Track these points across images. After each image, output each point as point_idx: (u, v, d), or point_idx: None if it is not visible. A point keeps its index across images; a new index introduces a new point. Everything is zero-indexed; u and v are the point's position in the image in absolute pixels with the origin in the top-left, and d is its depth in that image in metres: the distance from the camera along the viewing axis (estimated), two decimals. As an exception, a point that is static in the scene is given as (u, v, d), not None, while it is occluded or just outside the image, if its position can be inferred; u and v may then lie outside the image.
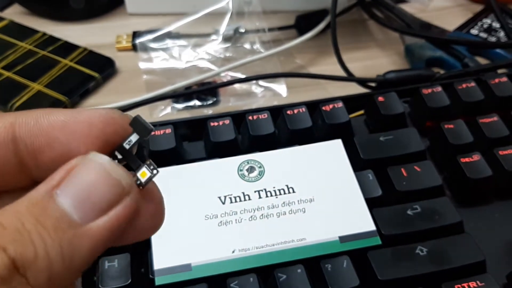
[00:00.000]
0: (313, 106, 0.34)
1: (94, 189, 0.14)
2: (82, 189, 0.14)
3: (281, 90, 0.44)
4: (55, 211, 0.14)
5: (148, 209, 0.16)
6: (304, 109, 0.34)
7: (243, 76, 0.44)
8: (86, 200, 0.14)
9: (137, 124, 0.16)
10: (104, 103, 0.40)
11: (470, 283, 0.26)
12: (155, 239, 0.27)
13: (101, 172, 0.15)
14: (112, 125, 0.16)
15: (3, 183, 0.16)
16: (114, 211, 0.14)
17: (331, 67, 0.45)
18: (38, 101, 0.41)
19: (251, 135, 0.33)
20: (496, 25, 0.50)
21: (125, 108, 0.39)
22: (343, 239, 0.28)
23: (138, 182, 0.16)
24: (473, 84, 0.36)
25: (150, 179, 0.16)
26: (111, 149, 0.16)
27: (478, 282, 0.26)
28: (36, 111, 0.16)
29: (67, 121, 0.16)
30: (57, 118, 0.16)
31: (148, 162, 0.16)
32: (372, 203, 0.29)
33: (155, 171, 0.16)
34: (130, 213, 0.15)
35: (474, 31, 0.50)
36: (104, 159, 0.15)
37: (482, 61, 0.46)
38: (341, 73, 0.43)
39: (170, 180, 0.30)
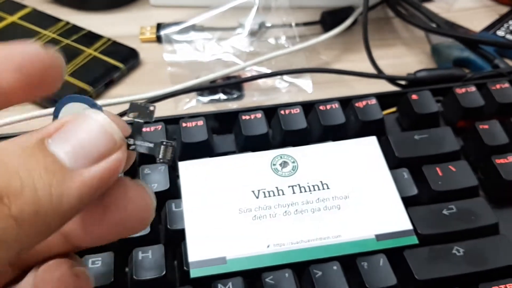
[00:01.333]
0: (345, 102, 0.34)
1: (88, 139, 0.15)
2: (76, 139, 0.15)
3: (307, 86, 0.44)
4: (46, 157, 0.14)
5: (137, 198, 0.17)
6: (337, 105, 0.33)
7: (268, 71, 0.44)
8: (79, 149, 0.15)
9: (137, 108, 0.17)
10: (129, 93, 0.39)
11: (508, 285, 0.26)
12: (190, 231, 0.27)
13: (95, 124, 0.15)
14: (32, 59, 0.16)
15: None
16: (105, 162, 0.15)
17: (356, 64, 0.44)
18: (62, 90, 0.40)
19: (283, 129, 0.32)
20: (523, 27, 0.50)
21: (151, 100, 0.38)
22: (379, 237, 0.27)
23: (166, 160, 0.17)
24: (507, 85, 0.35)
25: (173, 154, 0.17)
26: (32, 83, 0.16)
27: (517, 284, 0.26)
28: None
29: None
30: None
31: (164, 142, 0.17)
32: (407, 202, 0.29)
33: (173, 143, 0.17)
34: (119, 166, 0.15)
35: (500, 33, 0.49)
36: (99, 114, 0.16)
37: (510, 63, 0.45)
38: (366, 70, 0.42)
39: (203, 172, 0.29)
